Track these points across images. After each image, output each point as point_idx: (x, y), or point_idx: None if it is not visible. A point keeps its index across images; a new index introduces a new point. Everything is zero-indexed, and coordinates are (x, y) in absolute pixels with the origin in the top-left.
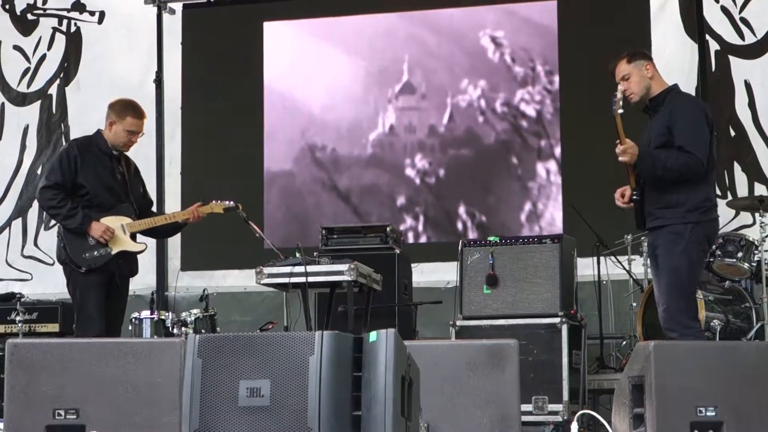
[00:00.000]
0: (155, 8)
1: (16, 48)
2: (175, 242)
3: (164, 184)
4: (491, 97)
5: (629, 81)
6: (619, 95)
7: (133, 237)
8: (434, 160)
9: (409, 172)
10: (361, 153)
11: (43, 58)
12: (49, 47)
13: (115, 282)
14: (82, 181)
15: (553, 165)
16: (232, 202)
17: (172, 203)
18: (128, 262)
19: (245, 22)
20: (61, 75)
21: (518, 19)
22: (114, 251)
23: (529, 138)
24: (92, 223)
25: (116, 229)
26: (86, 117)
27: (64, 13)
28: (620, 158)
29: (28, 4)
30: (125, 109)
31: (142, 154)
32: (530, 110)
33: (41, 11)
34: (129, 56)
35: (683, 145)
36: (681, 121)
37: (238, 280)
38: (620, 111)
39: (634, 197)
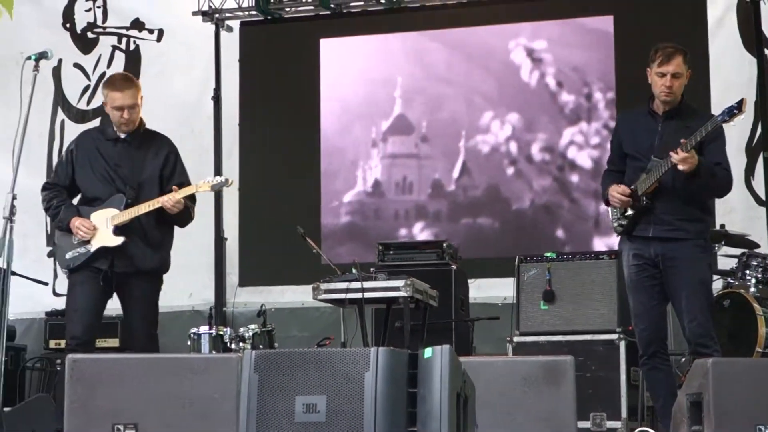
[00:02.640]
0: (213, 26)
1: (77, 66)
2: (233, 258)
3: (222, 202)
4: (526, 139)
5: (678, 80)
6: (742, 116)
7: (127, 229)
8: (441, 232)
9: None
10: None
11: (102, 75)
12: (109, 65)
13: (112, 281)
14: (78, 176)
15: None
16: (222, 178)
17: (231, 220)
18: (125, 257)
19: (302, 38)
20: None
21: (569, 29)
22: (93, 248)
23: (582, 201)
24: (72, 219)
25: (100, 223)
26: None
27: (124, 31)
28: (679, 166)
29: (88, 23)
30: (105, 86)
31: (199, 171)
32: (584, 159)
33: (101, 30)
34: (187, 74)
35: (721, 162)
36: (720, 138)
37: (296, 295)
38: (732, 124)
39: (645, 203)
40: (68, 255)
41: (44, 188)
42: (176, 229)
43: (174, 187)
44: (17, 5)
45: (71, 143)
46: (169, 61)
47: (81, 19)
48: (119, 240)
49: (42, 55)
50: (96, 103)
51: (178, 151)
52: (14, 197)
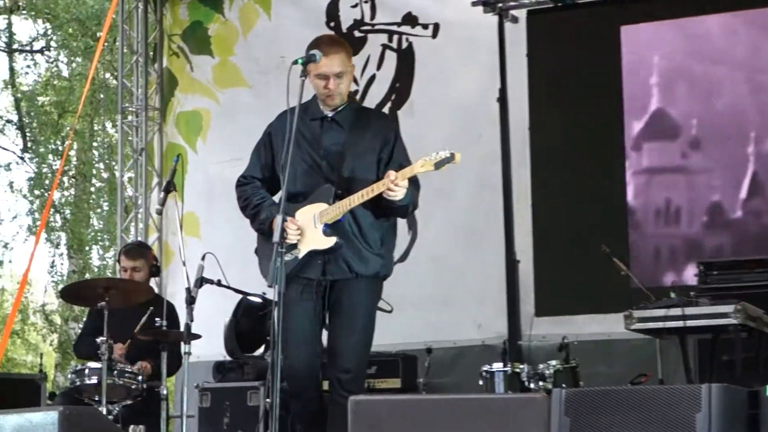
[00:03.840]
0: (496, 17)
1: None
2: (527, 283)
3: (513, 219)
4: None
5: None
6: None
7: (339, 227)
8: None
9: None
10: None
11: (372, 79)
12: (379, 66)
13: (325, 292)
14: (278, 165)
15: None
16: (447, 152)
17: (523, 239)
18: (339, 262)
19: (599, 27)
20: (393, 97)
21: None
22: (301, 253)
23: None
24: (272, 221)
25: (306, 222)
26: (422, 142)
27: (395, 27)
28: None
29: (355, 20)
30: (308, 49)
31: (486, 183)
32: None
33: (369, 27)
34: (467, 73)
35: None
36: None
37: (603, 325)
38: None
39: None
40: (274, 263)
41: (239, 184)
42: (461, 251)
43: (389, 172)
44: (276, 5)
45: (268, 127)
46: (447, 60)
47: (347, 17)
48: (331, 241)
49: (310, 59)
50: None
51: (399, 131)
52: (284, 219)
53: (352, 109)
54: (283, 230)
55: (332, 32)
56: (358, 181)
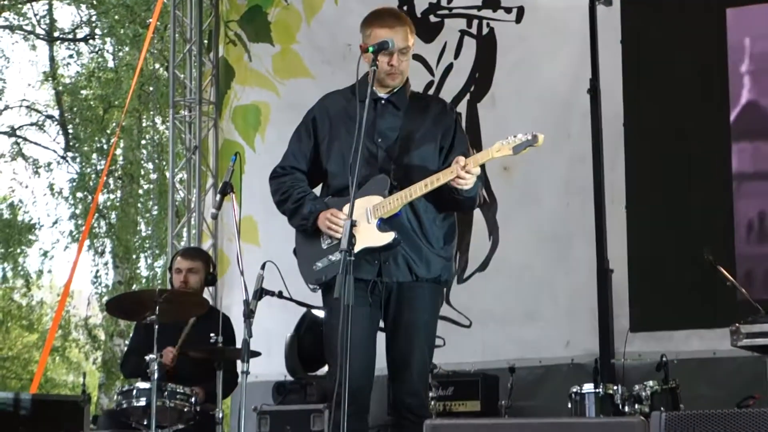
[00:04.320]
0: (587, 0)
1: (416, 57)
2: (621, 295)
3: (604, 224)
4: None
5: None
6: None
7: (396, 222)
8: None
9: None
10: None
11: (449, 68)
12: (456, 55)
13: (381, 297)
14: (323, 153)
15: None
16: (528, 135)
17: (617, 247)
18: (397, 262)
19: (702, 9)
20: (472, 88)
21: None
22: (355, 251)
23: None
24: (320, 214)
25: (359, 216)
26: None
27: (475, 11)
28: None
29: (430, 4)
30: (366, 23)
31: (577, 184)
32: None
33: (446, 11)
34: (555, 62)
35: None
36: None
37: (706, 342)
38: None
39: None
40: (318, 264)
41: (274, 175)
42: (547, 259)
43: (458, 158)
44: None
45: (310, 112)
46: (532, 47)
47: (421, 1)
48: (388, 237)
49: (381, 46)
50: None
51: (460, 119)
52: (353, 223)
53: (407, 92)
54: (351, 235)
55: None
56: (417, 171)
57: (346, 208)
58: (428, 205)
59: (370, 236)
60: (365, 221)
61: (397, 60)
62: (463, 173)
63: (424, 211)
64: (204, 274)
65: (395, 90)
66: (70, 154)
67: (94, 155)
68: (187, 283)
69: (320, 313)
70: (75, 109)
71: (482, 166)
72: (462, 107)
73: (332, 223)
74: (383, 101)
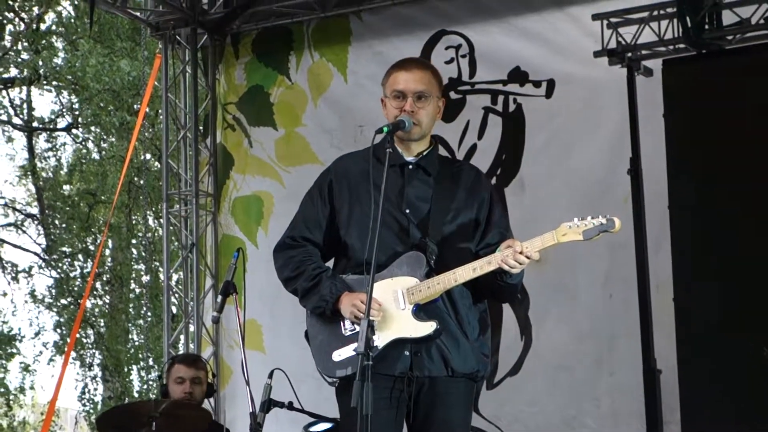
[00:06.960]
0: (624, 69)
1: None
2: (671, 398)
3: (650, 319)
4: None
5: None
6: None
7: (431, 308)
8: None
9: None
10: None
11: (472, 149)
12: (480, 135)
13: (411, 394)
14: (341, 222)
15: None
16: (603, 219)
17: (665, 343)
18: (431, 355)
19: (756, 78)
20: (498, 171)
21: None
22: (383, 342)
23: None
24: (343, 297)
25: (387, 301)
26: (536, 225)
27: (500, 86)
28: None
29: (450, 79)
30: (387, 73)
31: (616, 274)
32: None
33: (468, 87)
34: (590, 140)
35: None
36: None
37: None
38: None
39: None
40: (337, 354)
41: (283, 247)
42: (586, 360)
43: (511, 240)
44: (353, 63)
45: (326, 175)
46: (564, 124)
47: (441, 75)
48: (429, 327)
49: (397, 126)
50: None
51: (494, 189)
52: (371, 326)
53: (435, 155)
54: (368, 339)
55: None
56: (453, 248)
57: (377, 286)
58: (464, 291)
59: (404, 325)
60: (396, 306)
61: (411, 105)
62: (519, 257)
63: (459, 296)
64: (206, 383)
65: (424, 153)
66: (53, 256)
67: (80, 257)
68: (192, 394)
69: (326, 426)
70: (57, 206)
71: None
72: None
73: (358, 309)
74: (411, 166)
